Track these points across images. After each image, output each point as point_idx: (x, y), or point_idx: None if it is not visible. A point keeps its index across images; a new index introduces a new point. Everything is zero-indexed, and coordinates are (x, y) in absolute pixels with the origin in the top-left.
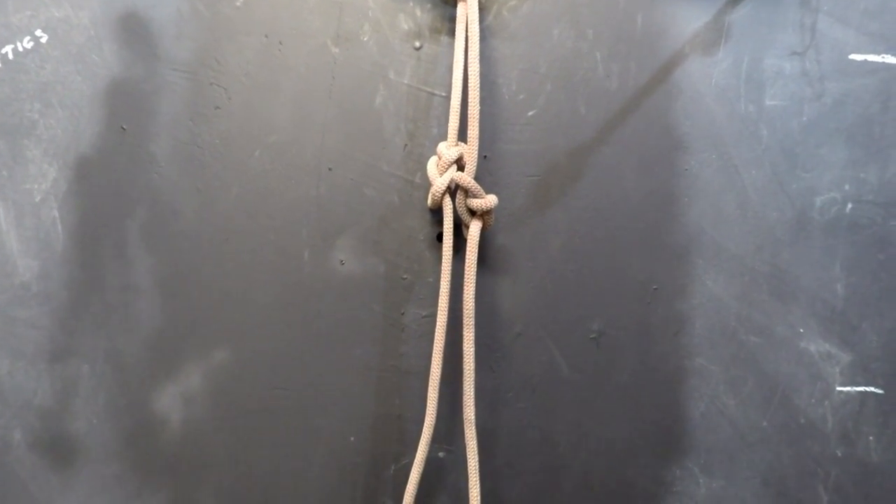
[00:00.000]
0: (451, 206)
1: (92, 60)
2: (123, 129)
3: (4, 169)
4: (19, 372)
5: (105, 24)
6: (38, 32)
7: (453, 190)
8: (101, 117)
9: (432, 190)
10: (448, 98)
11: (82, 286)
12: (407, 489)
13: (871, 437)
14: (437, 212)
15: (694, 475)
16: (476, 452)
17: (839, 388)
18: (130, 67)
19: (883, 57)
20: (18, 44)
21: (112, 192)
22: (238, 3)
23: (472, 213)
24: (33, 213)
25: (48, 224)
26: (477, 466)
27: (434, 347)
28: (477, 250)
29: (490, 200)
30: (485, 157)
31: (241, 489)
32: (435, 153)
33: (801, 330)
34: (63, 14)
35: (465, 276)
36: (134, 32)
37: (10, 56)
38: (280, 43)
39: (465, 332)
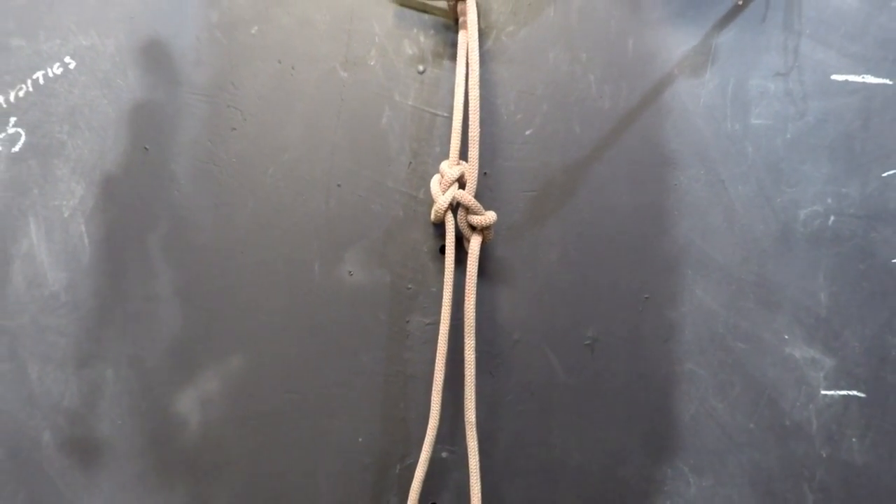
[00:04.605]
0: (453, 222)
1: (117, 85)
2: (146, 149)
3: (35, 187)
4: (48, 376)
5: (129, 52)
6: (67, 59)
7: (455, 206)
8: (125, 138)
9: (435, 207)
10: (450, 118)
11: (107, 296)
12: (412, 487)
13: (854, 439)
14: (440, 226)
15: (684, 475)
16: (477, 453)
17: (823, 392)
18: (153, 92)
19: (863, 77)
20: (49, 70)
21: (135, 208)
22: (253, 31)
23: (473, 228)
24: (62, 228)
25: (76, 238)
26: (478, 466)
27: (437, 353)
28: (477, 263)
29: (489, 217)
30: (485, 173)
31: (255, 487)
32: (438, 171)
33: (787, 336)
34: (90, 42)
35: (467, 286)
36: (156, 59)
37: (41, 81)
38: (292, 68)
39: (466, 339)
